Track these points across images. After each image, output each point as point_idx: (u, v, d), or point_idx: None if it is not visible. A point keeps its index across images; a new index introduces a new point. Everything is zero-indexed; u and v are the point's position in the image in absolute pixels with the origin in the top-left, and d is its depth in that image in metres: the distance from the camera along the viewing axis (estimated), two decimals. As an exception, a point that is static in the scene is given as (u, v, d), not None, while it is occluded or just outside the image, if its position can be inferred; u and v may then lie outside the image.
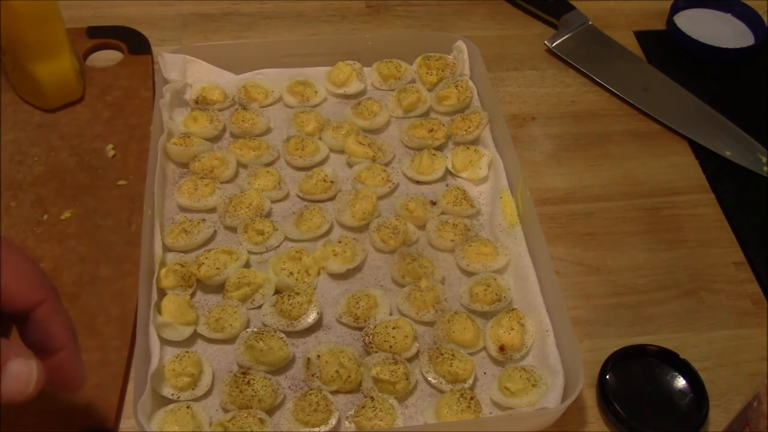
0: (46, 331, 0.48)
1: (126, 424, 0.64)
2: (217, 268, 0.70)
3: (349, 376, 0.64)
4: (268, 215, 0.77)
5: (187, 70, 0.86)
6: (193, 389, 0.64)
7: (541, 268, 0.71)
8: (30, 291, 0.47)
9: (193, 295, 0.70)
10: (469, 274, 0.73)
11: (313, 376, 0.65)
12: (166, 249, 0.72)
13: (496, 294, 0.70)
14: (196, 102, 0.86)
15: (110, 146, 0.82)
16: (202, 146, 0.80)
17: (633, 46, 1.01)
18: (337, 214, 0.77)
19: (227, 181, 0.80)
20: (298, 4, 1.03)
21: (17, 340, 0.49)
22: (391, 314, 0.70)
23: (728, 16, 1.04)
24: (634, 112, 0.93)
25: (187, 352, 0.65)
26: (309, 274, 0.72)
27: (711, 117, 0.91)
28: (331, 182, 0.78)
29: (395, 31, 1.01)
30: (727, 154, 0.87)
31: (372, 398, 0.63)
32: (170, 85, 0.84)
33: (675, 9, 1.02)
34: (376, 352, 0.66)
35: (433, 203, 0.79)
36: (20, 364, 0.44)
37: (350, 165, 0.82)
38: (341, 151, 0.83)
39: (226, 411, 0.63)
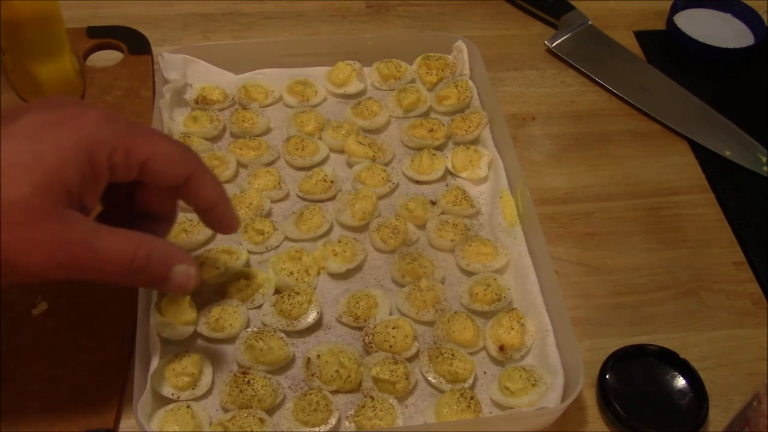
0: (200, 195, 0.59)
1: (126, 423, 0.64)
2: (217, 268, 0.70)
3: (349, 376, 0.64)
4: (268, 215, 0.77)
5: (187, 70, 0.86)
6: (193, 389, 0.64)
7: (541, 268, 0.71)
8: (180, 170, 0.56)
9: (193, 295, 0.70)
10: (469, 273, 0.73)
11: (313, 375, 0.65)
12: (166, 249, 0.72)
13: (496, 294, 0.70)
14: (196, 102, 0.86)
15: (110, 146, 0.82)
16: (202, 146, 0.80)
17: (633, 46, 1.01)
18: (337, 214, 0.77)
19: (227, 181, 0.80)
20: (298, 4, 1.03)
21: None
22: (391, 314, 0.70)
23: (728, 16, 1.04)
24: (634, 112, 0.93)
25: (187, 351, 0.65)
26: (309, 274, 0.72)
27: (711, 117, 0.91)
28: (331, 182, 0.78)
29: (395, 31, 1.01)
30: (727, 154, 0.87)
31: (372, 398, 0.63)
32: (170, 85, 0.84)
33: (675, 9, 1.02)
34: (376, 351, 0.66)
35: (433, 203, 0.79)
36: (183, 269, 0.56)
37: (350, 165, 0.82)
38: (341, 151, 0.83)
39: (226, 411, 0.63)
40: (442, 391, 0.65)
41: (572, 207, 0.82)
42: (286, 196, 0.79)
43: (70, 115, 0.52)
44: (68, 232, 0.51)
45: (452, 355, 0.65)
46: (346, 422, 0.63)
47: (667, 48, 1.00)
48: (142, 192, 0.59)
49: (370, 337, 0.67)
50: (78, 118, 0.52)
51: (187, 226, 0.73)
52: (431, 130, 0.83)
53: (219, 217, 0.61)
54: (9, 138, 0.50)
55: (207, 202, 0.60)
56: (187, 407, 0.62)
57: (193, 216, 0.75)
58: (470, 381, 0.65)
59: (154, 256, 0.54)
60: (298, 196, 0.79)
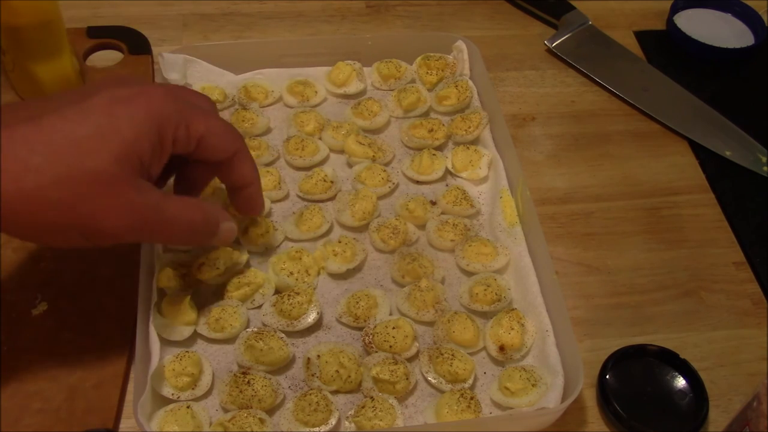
0: (241, 172, 0.65)
1: (126, 424, 0.64)
2: (217, 268, 0.70)
3: (349, 376, 0.64)
4: (268, 215, 0.77)
5: (187, 70, 0.86)
6: (193, 389, 0.64)
7: (541, 268, 0.71)
8: (229, 146, 0.63)
9: (193, 295, 0.70)
10: (469, 274, 0.73)
11: (313, 376, 0.65)
12: (166, 249, 0.72)
13: (496, 294, 0.70)
14: (196, 102, 0.85)
15: (110, 146, 0.82)
16: (202, 146, 0.80)
17: (633, 46, 1.01)
18: (337, 214, 0.77)
19: (227, 181, 0.80)
20: (298, 4, 1.03)
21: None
22: (391, 314, 0.70)
23: (728, 16, 1.04)
24: (634, 112, 0.93)
25: (187, 352, 0.65)
26: (309, 274, 0.72)
27: (711, 117, 0.91)
28: (331, 182, 0.78)
29: (395, 31, 1.01)
30: (727, 154, 0.87)
31: (372, 398, 0.63)
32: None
33: (675, 9, 1.02)
34: (376, 352, 0.66)
35: (433, 203, 0.79)
36: (227, 226, 0.64)
37: (350, 165, 0.82)
38: (341, 151, 0.83)
39: (226, 411, 0.63)
40: (442, 392, 0.65)
41: (572, 207, 0.82)
42: (286, 196, 0.79)
43: (139, 92, 0.57)
44: (142, 198, 0.56)
45: (452, 355, 0.65)
46: (346, 422, 0.63)
47: (667, 48, 1.00)
48: (188, 166, 0.65)
49: (370, 337, 0.67)
50: (146, 95, 0.57)
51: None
52: (431, 130, 0.83)
53: (250, 196, 0.67)
54: (86, 113, 0.54)
55: (244, 180, 0.66)
56: (187, 407, 0.62)
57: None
58: (470, 381, 0.65)
59: (209, 218, 0.62)
60: (298, 196, 0.79)
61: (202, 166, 0.64)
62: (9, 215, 0.52)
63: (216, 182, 0.72)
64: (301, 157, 0.81)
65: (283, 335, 0.67)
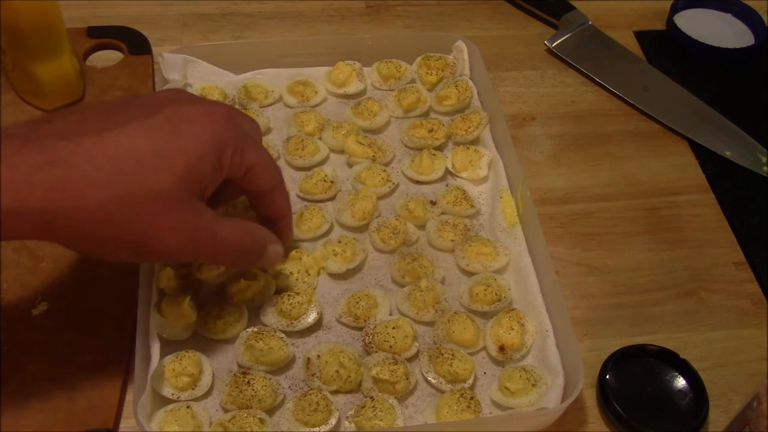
0: (278, 204, 0.66)
1: (126, 424, 0.64)
2: (217, 268, 0.70)
3: (349, 376, 0.64)
4: (268, 215, 0.77)
5: (187, 70, 0.86)
6: (193, 389, 0.64)
7: (541, 268, 0.71)
8: (273, 179, 0.64)
9: (193, 295, 0.70)
10: (469, 274, 0.73)
11: (313, 376, 0.65)
12: (166, 249, 0.72)
13: (496, 294, 0.70)
14: (196, 102, 0.85)
15: (110, 146, 0.82)
16: (202, 146, 0.80)
17: (633, 46, 1.01)
18: (337, 214, 0.77)
19: (227, 181, 0.80)
20: (298, 4, 1.03)
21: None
22: (391, 314, 0.70)
23: (728, 16, 1.04)
24: (634, 112, 0.93)
25: (187, 352, 0.65)
26: (309, 274, 0.72)
27: (711, 117, 0.91)
28: (331, 182, 0.78)
29: (395, 31, 1.00)
30: (727, 154, 0.87)
31: (372, 398, 0.63)
32: (170, 85, 0.84)
33: (675, 9, 1.02)
34: (376, 352, 0.66)
35: (433, 203, 0.79)
36: (274, 249, 0.64)
37: (350, 165, 0.82)
38: (341, 151, 0.83)
39: (226, 411, 0.63)
40: (442, 392, 0.65)
41: (572, 207, 0.82)
42: (286, 196, 0.79)
43: (202, 112, 0.56)
44: (198, 220, 0.56)
45: (452, 355, 0.65)
46: (346, 422, 0.63)
47: (667, 48, 1.00)
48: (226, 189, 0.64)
49: (370, 337, 0.67)
50: (209, 116, 0.57)
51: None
52: (431, 130, 0.83)
53: (283, 227, 0.68)
54: (151, 131, 0.54)
55: (279, 212, 0.67)
56: (187, 407, 0.62)
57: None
58: (470, 381, 0.65)
59: (257, 241, 0.62)
60: (298, 196, 0.79)
61: (233, 186, 0.63)
62: (66, 229, 0.52)
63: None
64: (301, 157, 0.81)
65: (283, 335, 0.67)
